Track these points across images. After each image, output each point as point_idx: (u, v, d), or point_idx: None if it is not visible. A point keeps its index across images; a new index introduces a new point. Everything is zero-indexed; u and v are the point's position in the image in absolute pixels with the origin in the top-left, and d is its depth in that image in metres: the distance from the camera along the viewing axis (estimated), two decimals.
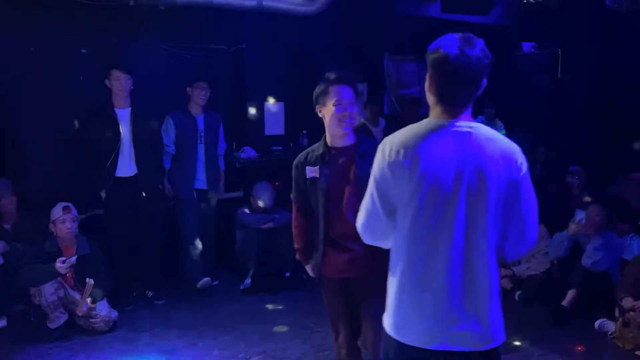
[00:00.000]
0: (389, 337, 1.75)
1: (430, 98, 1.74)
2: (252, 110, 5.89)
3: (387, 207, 1.71)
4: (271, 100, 6.04)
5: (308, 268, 2.69)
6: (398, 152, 1.65)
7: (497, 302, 1.70)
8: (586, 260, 4.17)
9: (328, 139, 2.50)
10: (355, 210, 2.17)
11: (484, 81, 1.68)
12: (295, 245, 2.70)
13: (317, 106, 2.48)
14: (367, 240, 1.87)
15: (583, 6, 6.33)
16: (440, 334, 1.66)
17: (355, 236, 2.21)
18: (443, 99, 1.69)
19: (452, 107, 1.69)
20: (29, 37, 4.56)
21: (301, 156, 2.57)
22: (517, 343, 3.77)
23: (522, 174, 1.69)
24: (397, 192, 1.67)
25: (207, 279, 4.68)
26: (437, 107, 1.72)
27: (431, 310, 1.66)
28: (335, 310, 2.62)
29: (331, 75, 2.44)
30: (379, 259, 2.15)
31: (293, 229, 2.71)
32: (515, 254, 1.82)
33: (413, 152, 1.64)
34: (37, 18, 4.47)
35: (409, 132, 1.71)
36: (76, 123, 4.41)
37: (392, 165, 1.66)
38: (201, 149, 4.73)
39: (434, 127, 1.69)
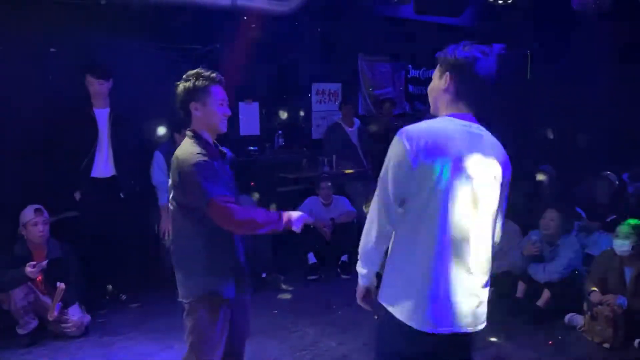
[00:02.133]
0: None
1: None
2: None
3: None
4: (246, 100, 6.02)
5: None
6: None
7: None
8: (542, 277, 4.24)
9: (210, 137, 2.43)
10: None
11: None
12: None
13: (193, 103, 2.39)
14: None
15: (552, 8, 6.49)
16: None
17: None
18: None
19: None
20: None
21: (200, 153, 2.31)
22: (491, 339, 3.84)
23: None
24: None
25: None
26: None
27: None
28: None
29: (212, 74, 2.41)
30: None
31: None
32: None
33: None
34: (3, 16, 4.35)
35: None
36: (49, 123, 4.31)
37: None
38: None
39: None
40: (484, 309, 1.88)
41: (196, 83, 2.38)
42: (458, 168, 1.75)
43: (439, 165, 1.73)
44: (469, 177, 1.77)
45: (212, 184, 2.24)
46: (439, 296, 1.76)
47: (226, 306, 2.41)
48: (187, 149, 2.34)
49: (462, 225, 1.77)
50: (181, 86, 2.41)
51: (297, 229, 2.38)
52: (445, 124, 1.82)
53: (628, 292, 3.79)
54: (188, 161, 2.27)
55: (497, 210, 1.88)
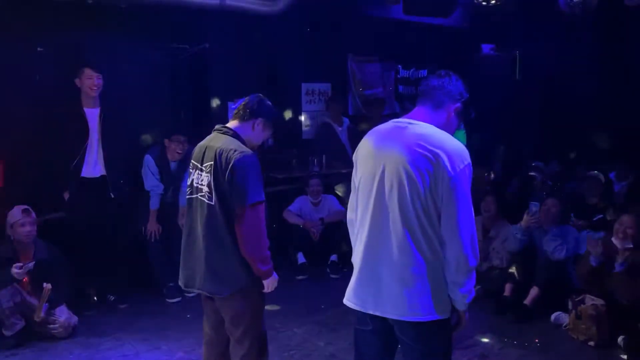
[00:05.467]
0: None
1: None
2: (216, 110, 5.84)
3: None
4: (235, 100, 6.00)
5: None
6: None
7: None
8: (548, 246, 4.22)
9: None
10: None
11: None
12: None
13: (256, 122, 2.72)
14: None
15: (540, 9, 6.54)
16: None
17: None
18: None
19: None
20: None
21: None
22: (478, 337, 3.87)
23: None
24: None
25: (179, 298, 4.60)
26: None
27: None
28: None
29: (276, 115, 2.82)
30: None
31: None
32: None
33: None
34: None
35: None
36: (37, 123, 4.27)
37: None
38: (170, 190, 4.71)
39: None
40: (396, 298, 1.94)
41: (268, 114, 2.73)
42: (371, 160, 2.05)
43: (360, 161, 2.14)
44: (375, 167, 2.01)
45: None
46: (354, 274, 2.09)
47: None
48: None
49: (366, 209, 2.04)
50: (258, 100, 2.71)
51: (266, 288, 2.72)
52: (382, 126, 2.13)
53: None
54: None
55: (423, 194, 1.89)
